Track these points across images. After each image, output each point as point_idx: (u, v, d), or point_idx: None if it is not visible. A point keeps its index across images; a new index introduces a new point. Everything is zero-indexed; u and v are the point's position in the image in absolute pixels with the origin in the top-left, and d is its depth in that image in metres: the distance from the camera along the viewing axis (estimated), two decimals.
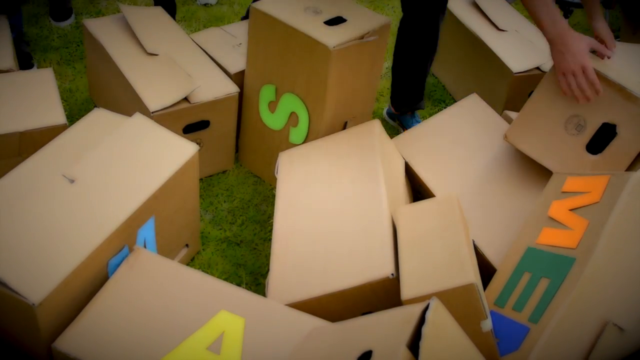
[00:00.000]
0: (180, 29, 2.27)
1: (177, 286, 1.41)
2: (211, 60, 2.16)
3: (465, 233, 1.46)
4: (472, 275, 1.30)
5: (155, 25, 2.24)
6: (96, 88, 2.34)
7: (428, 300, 1.06)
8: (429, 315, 1.02)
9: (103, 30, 2.19)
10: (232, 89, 2.03)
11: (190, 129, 2.01)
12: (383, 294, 1.44)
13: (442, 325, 1.05)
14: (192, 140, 1.97)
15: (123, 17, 2.25)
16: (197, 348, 1.29)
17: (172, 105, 1.91)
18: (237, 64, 2.15)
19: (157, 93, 1.93)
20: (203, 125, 2.04)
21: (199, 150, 2.02)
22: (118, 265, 1.45)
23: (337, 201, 1.68)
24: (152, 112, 1.88)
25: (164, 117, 1.90)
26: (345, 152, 1.83)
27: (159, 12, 2.34)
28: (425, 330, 1.00)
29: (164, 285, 1.41)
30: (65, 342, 1.29)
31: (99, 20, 2.24)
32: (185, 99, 1.94)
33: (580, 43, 1.59)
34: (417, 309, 1.06)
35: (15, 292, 1.26)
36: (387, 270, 1.42)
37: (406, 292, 1.34)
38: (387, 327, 1.09)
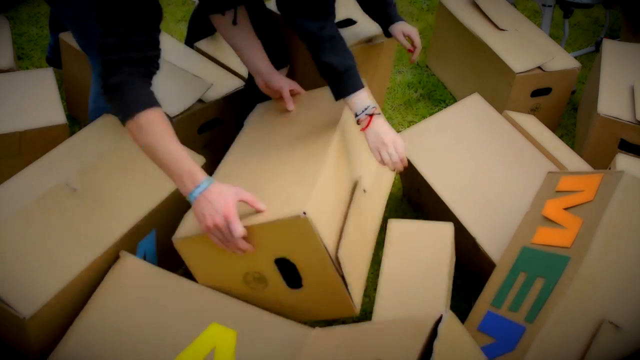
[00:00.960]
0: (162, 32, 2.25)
1: (165, 297, 1.36)
2: (205, 58, 2.15)
3: (450, 269, 1.47)
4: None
5: None
6: (80, 102, 2.26)
7: (441, 312, 1.04)
8: (441, 328, 1.00)
9: None
10: (238, 83, 2.05)
11: (203, 129, 2.02)
12: (297, 238, 1.33)
13: (454, 340, 1.03)
14: (205, 140, 1.99)
15: None
16: None
17: (188, 108, 1.91)
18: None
19: (170, 98, 1.92)
20: (214, 123, 2.04)
21: (210, 149, 2.03)
22: None
23: (288, 145, 1.59)
24: (173, 117, 1.87)
25: (183, 121, 1.90)
26: (317, 106, 1.75)
27: None
28: (437, 345, 0.98)
29: (152, 296, 1.36)
30: None
31: None
32: (199, 99, 1.95)
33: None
34: (429, 321, 1.03)
35: (6, 304, 1.24)
36: (301, 209, 1.28)
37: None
38: (397, 339, 1.07)
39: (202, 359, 1.24)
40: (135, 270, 1.42)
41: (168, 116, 1.83)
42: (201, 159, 1.64)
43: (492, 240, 1.67)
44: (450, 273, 1.47)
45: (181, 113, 1.89)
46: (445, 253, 1.47)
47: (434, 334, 1.00)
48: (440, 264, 1.45)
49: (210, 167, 2.12)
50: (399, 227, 1.56)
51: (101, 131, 1.68)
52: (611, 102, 2.12)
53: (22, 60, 2.55)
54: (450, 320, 1.02)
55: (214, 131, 2.05)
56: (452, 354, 1.00)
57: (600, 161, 2.10)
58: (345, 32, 1.82)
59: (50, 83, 1.93)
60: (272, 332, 1.31)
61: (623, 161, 1.84)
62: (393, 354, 1.02)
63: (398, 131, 2.41)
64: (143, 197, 1.51)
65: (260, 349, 1.27)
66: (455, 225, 1.79)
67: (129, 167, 1.56)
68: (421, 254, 1.48)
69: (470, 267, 1.89)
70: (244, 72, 2.10)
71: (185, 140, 1.91)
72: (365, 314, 1.75)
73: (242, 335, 1.29)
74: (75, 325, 1.32)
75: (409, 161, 1.89)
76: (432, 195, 1.86)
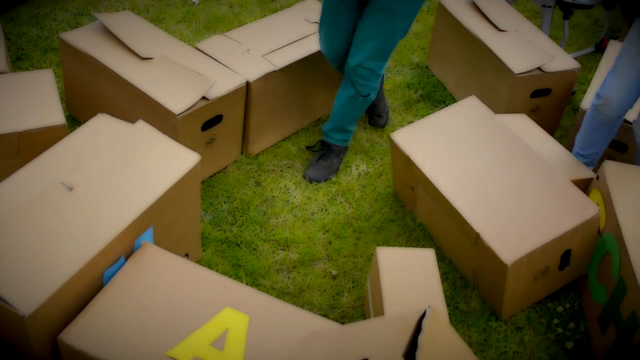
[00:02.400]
0: (159, 29, 2.25)
1: (183, 282, 1.42)
2: (205, 56, 2.16)
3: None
4: None
5: (136, 28, 2.21)
6: (80, 102, 2.27)
7: (424, 308, 1.06)
8: (425, 323, 1.02)
9: (85, 40, 2.11)
10: (240, 80, 2.06)
11: (206, 126, 2.03)
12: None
13: (438, 333, 1.05)
14: (208, 137, 2.01)
15: (97, 26, 2.18)
16: (201, 343, 1.30)
17: (192, 105, 1.92)
18: (254, 71, 2.12)
19: (175, 95, 1.94)
20: (217, 120, 2.06)
21: (212, 147, 2.07)
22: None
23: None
24: (178, 115, 1.88)
25: (188, 118, 1.92)
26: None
27: (132, 15, 2.29)
28: (421, 339, 1.00)
29: (170, 281, 1.42)
30: (71, 335, 1.29)
31: (75, 32, 2.17)
32: (202, 97, 1.97)
33: None
34: (413, 317, 1.06)
35: (6, 302, 1.25)
36: None
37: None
38: (383, 335, 1.09)
39: (215, 339, 1.31)
40: (154, 258, 1.47)
41: (172, 114, 1.85)
42: (197, 157, 1.64)
43: (496, 235, 1.70)
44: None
45: (185, 110, 1.91)
46: (434, 275, 1.57)
47: (418, 329, 1.03)
48: (433, 284, 1.54)
49: (213, 163, 2.13)
50: (386, 254, 1.62)
51: (96, 130, 1.69)
52: None
53: (22, 60, 2.55)
54: (434, 315, 1.05)
55: (216, 128, 2.06)
56: (436, 346, 1.03)
57: (598, 161, 2.11)
58: None
59: (50, 84, 1.94)
60: (284, 318, 1.38)
61: (610, 167, 1.87)
62: (380, 350, 1.05)
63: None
64: (140, 194, 1.52)
65: (271, 332, 1.34)
66: (456, 220, 1.80)
67: (125, 165, 1.57)
68: (413, 278, 1.56)
69: (465, 266, 1.89)
70: (243, 71, 2.11)
71: (189, 137, 1.95)
72: None
73: (254, 320, 1.36)
74: (94, 302, 1.36)
75: (408, 158, 1.91)
76: (432, 191, 1.87)
